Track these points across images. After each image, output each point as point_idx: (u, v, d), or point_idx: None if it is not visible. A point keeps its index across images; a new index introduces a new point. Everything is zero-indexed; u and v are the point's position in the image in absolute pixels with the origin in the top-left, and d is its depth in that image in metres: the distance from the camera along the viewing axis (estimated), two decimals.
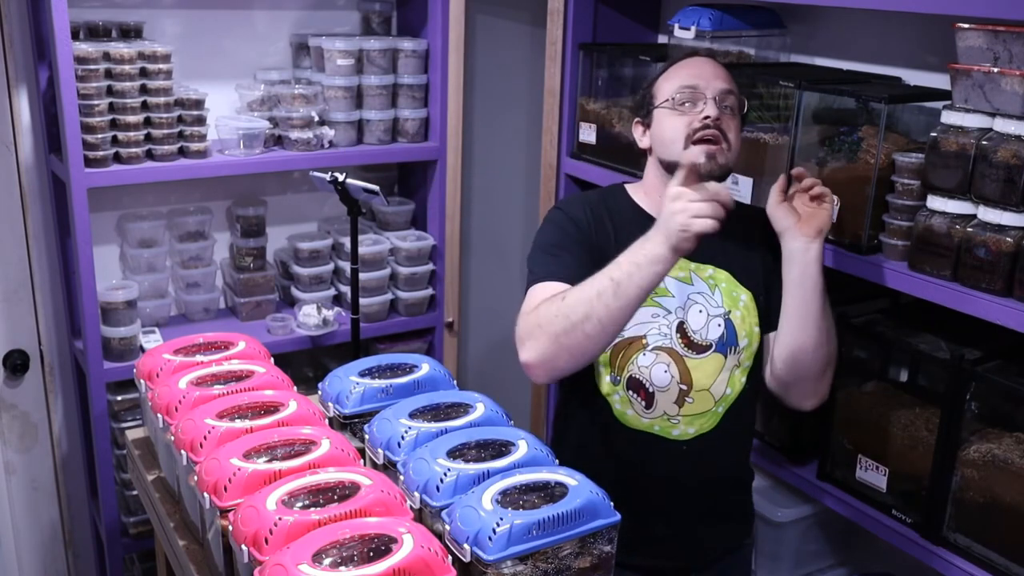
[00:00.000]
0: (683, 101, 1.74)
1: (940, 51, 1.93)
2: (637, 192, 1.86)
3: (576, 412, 1.87)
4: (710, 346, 1.77)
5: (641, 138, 1.83)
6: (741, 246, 1.83)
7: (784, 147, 1.97)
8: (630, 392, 1.79)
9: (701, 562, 1.88)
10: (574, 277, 1.65)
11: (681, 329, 1.77)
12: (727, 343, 1.78)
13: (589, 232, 1.78)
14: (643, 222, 1.69)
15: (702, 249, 1.67)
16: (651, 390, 1.78)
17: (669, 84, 1.77)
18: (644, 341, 1.77)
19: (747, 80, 2.07)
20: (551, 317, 1.61)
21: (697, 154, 1.69)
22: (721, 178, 1.72)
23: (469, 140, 3.12)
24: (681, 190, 1.53)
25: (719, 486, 1.86)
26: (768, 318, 1.83)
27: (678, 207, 1.51)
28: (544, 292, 1.70)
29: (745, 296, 1.81)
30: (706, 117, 1.70)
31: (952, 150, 1.66)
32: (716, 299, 1.79)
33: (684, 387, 1.77)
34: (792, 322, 1.76)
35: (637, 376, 1.78)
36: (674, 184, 1.55)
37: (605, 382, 1.79)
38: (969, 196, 1.65)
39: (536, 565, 1.38)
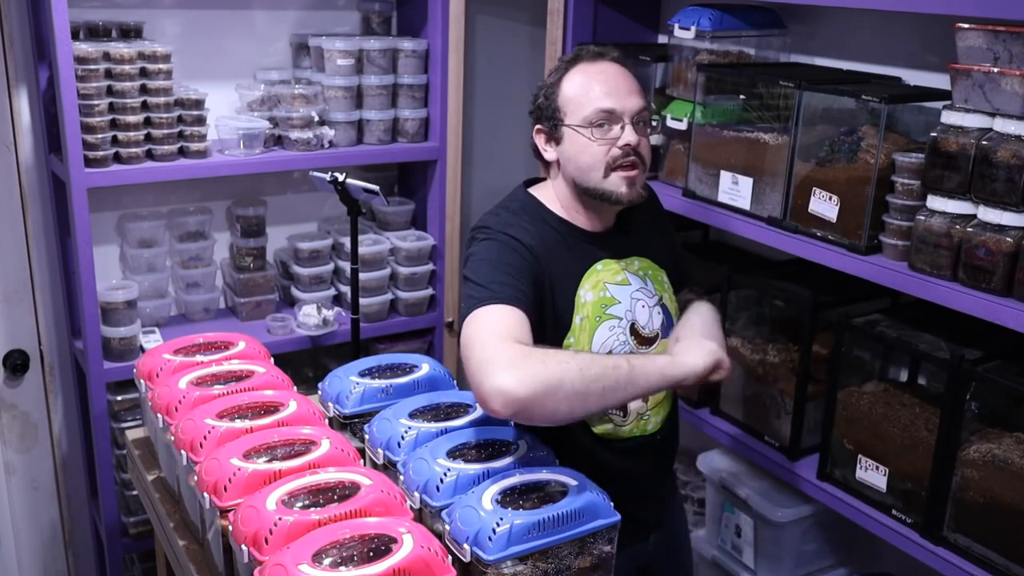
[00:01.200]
0: (599, 124, 1.65)
1: (940, 51, 1.93)
2: (553, 204, 1.76)
3: (550, 440, 1.74)
4: (656, 335, 1.78)
5: (546, 148, 1.73)
6: (650, 231, 1.86)
7: (784, 147, 1.97)
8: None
9: (662, 519, 1.92)
10: (529, 309, 1.58)
11: (633, 330, 1.76)
12: (667, 327, 1.79)
13: (536, 264, 1.67)
14: (575, 237, 1.72)
15: (624, 245, 1.80)
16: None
17: (580, 102, 1.67)
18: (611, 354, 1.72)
19: (747, 80, 2.08)
20: (567, 371, 1.47)
21: (618, 184, 1.67)
22: (642, 197, 1.73)
23: (469, 140, 3.12)
24: (726, 364, 1.63)
25: (676, 454, 1.96)
26: (673, 284, 1.90)
27: (721, 373, 1.62)
28: (507, 318, 1.55)
29: (664, 276, 1.84)
30: (626, 145, 1.65)
31: (952, 150, 1.66)
32: (650, 288, 1.80)
33: None
34: None
35: None
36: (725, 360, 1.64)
37: None
38: (969, 196, 1.65)
39: (536, 565, 1.38)
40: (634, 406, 1.78)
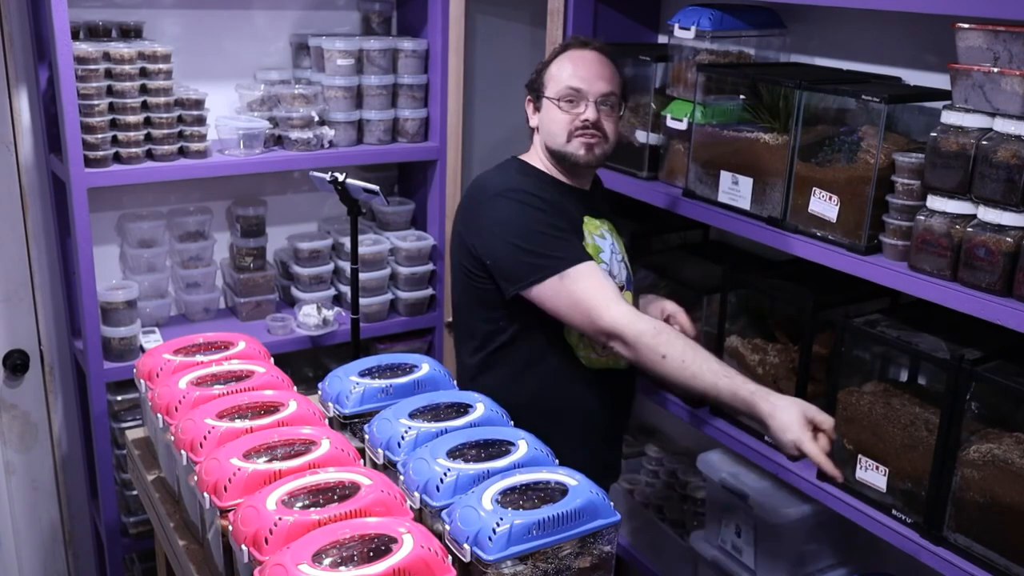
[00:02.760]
0: (568, 99, 1.95)
1: (940, 51, 1.93)
2: (540, 165, 2.03)
3: (539, 360, 2.02)
4: (623, 286, 2.04)
5: (532, 116, 2.05)
6: (602, 200, 2.16)
7: (784, 147, 1.97)
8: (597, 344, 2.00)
9: (619, 466, 2.28)
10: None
11: (609, 276, 1.98)
12: (629, 279, 2.10)
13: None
14: (566, 192, 2.01)
15: (598, 204, 2.10)
16: None
17: (557, 79, 1.97)
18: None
19: (747, 80, 2.08)
20: (678, 360, 1.81)
21: (577, 147, 1.95)
22: (600, 164, 2.02)
23: (469, 140, 3.12)
24: (809, 445, 1.71)
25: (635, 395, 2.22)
26: None
27: (804, 448, 1.70)
28: (596, 275, 1.89)
29: (623, 243, 2.12)
30: (585, 120, 1.94)
31: (952, 150, 1.66)
32: (617, 246, 2.07)
33: None
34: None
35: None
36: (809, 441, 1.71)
37: (574, 334, 1.99)
38: (969, 196, 1.65)
39: (536, 565, 1.38)
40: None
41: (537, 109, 2.03)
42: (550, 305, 1.89)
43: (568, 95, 1.96)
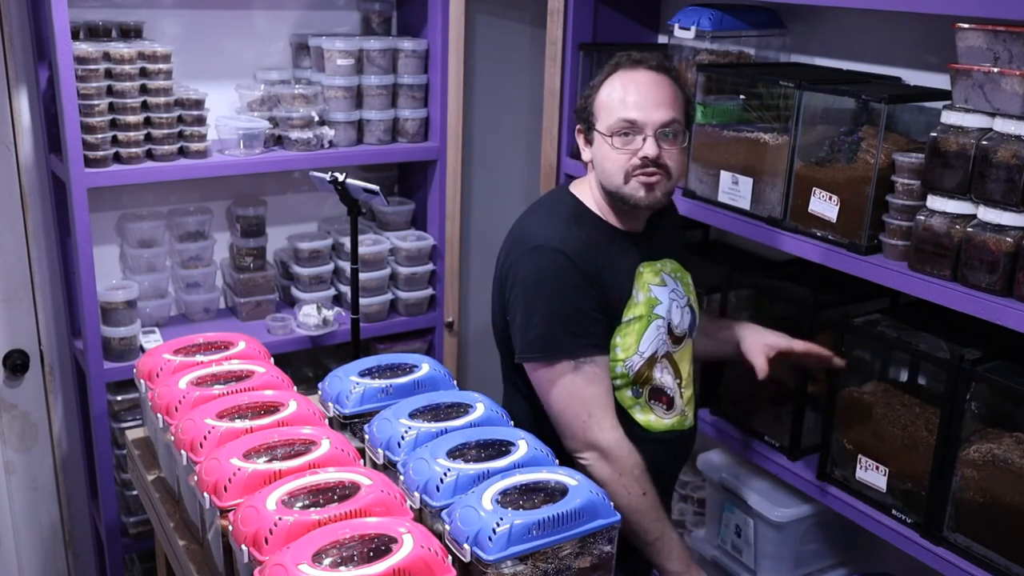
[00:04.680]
0: (622, 134, 1.72)
1: (940, 51, 1.93)
2: (592, 204, 1.83)
3: None
4: (685, 335, 1.89)
5: (584, 149, 1.83)
6: (673, 234, 1.96)
7: (784, 147, 1.97)
8: (651, 401, 1.85)
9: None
10: (598, 340, 1.77)
11: (669, 329, 1.85)
12: (692, 326, 1.92)
13: (587, 277, 1.76)
14: (620, 240, 1.81)
15: (655, 247, 1.88)
16: (671, 394, 1.86)
17: (608, 110, 1.73)
18: (656, 356, 1.83)
19: (747, 80, 2.08)
20: (633, 499, 1.73)
21: (636, 188, 1.74)
22: (663, 204, 1.80)
23: (469, 140, 3.11)
24: None
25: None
26: None
27: None
28: (605, 380, 1.77)
29: (690, 278, 1.95)
30: (644, 157, 1.71)
31: (952, 150, 1.66)
32: (680, 289, 1.89)
33: (679, 380, 1.88)
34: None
35: (659, 385, 1.85)
36: None
37: (626, 396, 1.82)
38: (969, 196, 1.65)
39: (536, 565, 1.38)
40: (677, 402, 1.88)
41: (589, 142, 1.80)
42: (544, 388, 1.76)
43: (622, 129, 1.72)
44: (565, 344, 1.73)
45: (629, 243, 1.82)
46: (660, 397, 1.85)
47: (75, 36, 2.40)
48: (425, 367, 1.86)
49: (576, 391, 1.73)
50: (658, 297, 1.82)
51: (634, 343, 1.79)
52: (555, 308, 1.73)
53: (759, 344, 1.94)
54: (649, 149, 1.71)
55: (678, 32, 2.21)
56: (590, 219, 1.81)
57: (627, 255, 1.81)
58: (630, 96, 1.73)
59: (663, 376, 1.84)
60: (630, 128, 1.72)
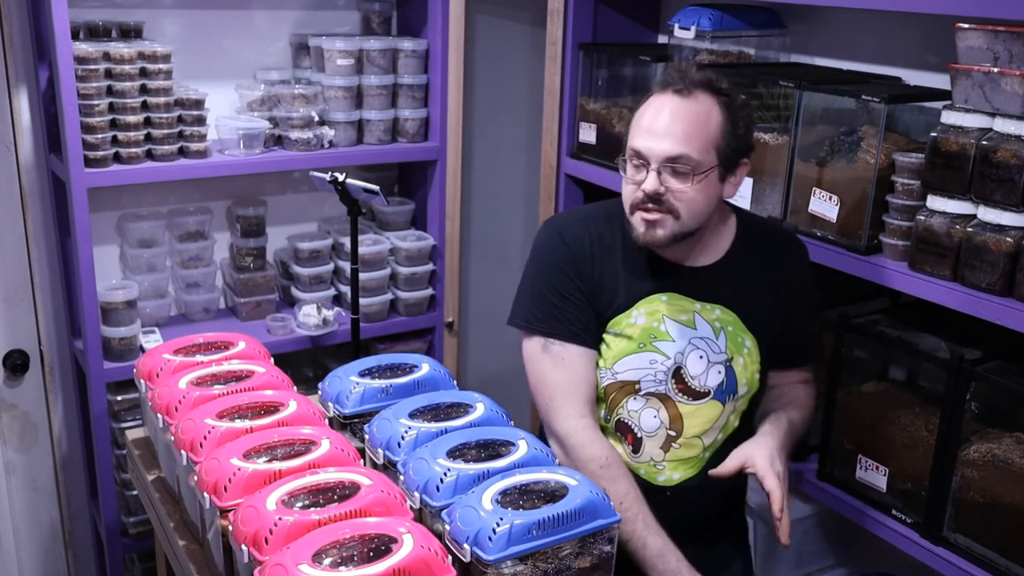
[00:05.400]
0: (633, 163, 1.63)
1: (940, 51, 1.93)
2: None
3: None
4: (708, 393, 1.72)
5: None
6: (755, 284, 1.74)
7: (784, 147, 1.97)
8: (618, 434, 1.77)
9: None
10: (575, 328, 1.74)
11: (678, 374, 1.72)
12: (727, 390, 1.73)
13: (578, 272, 1.75)
14: (645, 258, 1.72)
15: (711, 287, 1.72)
16: (639, 435, 1.75)
17: (630, 133, 1.65)
18: (636, 386, 1.74)
19: (747, 80, 2.07)
20: (615, 501, 1.60)
21: (637, 223, 1.65)
22: (673, 243, 1.65)
23: (469, 140, 3.11)
24: None
25: (705, 523, 1.81)
26: (777, 356, 1.81)
27: None
28: (581, 368, 1.75)
29: (750, 342, 1.74)
30: (643, 191, 1.61)
31: (952, 150, 1.66)
32: (719, 344, 1.71)
33: (673, 433, 1.74)
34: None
35: (626, 420, 1.76)
36: None
37: (600, 416, 1.77)
38: (969, 196, 1.65)
39: (536, 565, 1.38)
40: (648, 448, 1.75)
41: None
42: (525, 361, 1.75)
43: (631, 157, 1.63)
44: (538, 319, 1.73)
45: (654, 266, 1.71)
46: (626, 434, 1.75)
47: (75, 36, 2.40)
48: (425, 367, 1.86)
49: (544, 372, 1.73)
50: (670, 333, 1.70)
51: (612, 359, 1.73)
52: (536, 282, 1.73)
53: (745, 451, 1.67)
54: (648, 184, 1.60)
55: (678, 32, 2.21)
56: (621, 225, 1.73)
57: (641, 276, 1.71)
58: (644, 121, 1.62)
59: (643, 416, 1.73)
60: (637, 157, 1.62)
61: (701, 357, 1.71)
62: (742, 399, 1.77)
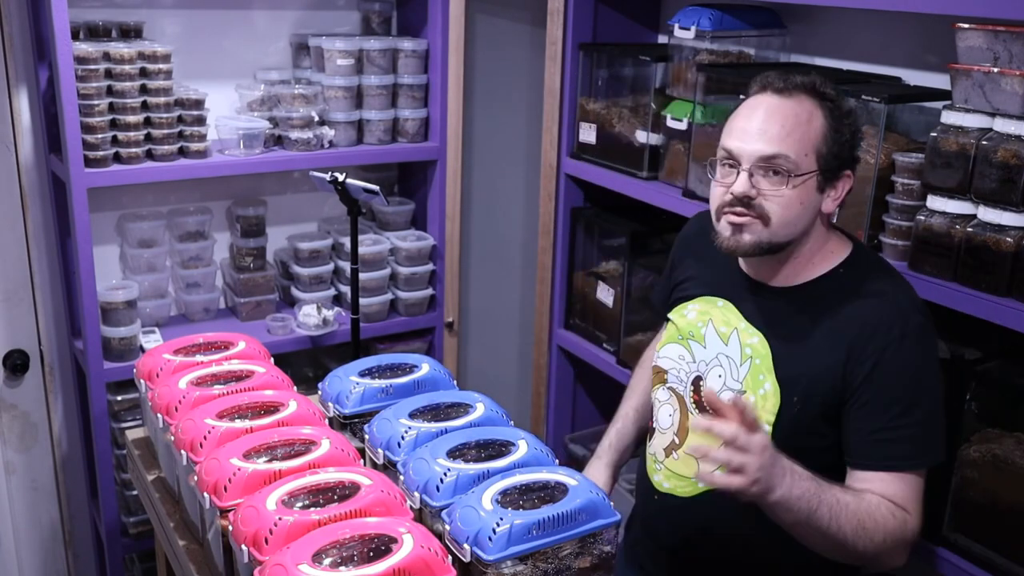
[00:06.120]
0: (723, 164, 1.54)
1: (940, 51, 1.93)
2: None
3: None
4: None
5: None
6: (818, 331, 1.54)
7: None
8: (651, 416, 1.77)
9: None
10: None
11: (696, 384, 1.65)
12: None
13: (675, 253, 1.88)
14: (727, 265, 1.66)
15: (764, 311, 1.59)
16: (655, 425, 1.75)
17: (724, 135, 1.55)
18: (665, 376, 1.72)
19: (747, 80, 2.07)
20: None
21: (723, 228, 1.54)
22: (756, 254, 1.54)
23: (469, 140, 3.11)
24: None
25: (694, 561, 1.67)
26: (846, 448, 1.53)
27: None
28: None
29: (771, 386, 1.56)
30: (732, 194, 1.50)
31: (952, 150, 1.66)
32: (740, 372, 1.59)
33: (676, 440, 1.68)
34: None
35: (655, 404, 1.76)
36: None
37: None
38: (969, 196, 1.65)
39: (536, 565, 1.38)
40: (656, 443, 1.72)
41: None
42: None
43: (721, 158, 1.53)
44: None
45: (729, 271, 1.65)
46: (651, 419, 1.76)
47: (75, 36, 2.39)
48: (425, 367, 1.86)
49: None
50: (705, 338, 1.63)
51: (662, 342, 1.75)
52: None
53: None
54: (738, 185, 1.48)
55: (678, 32, 2.21)
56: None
57: (717, 274, 1.66)
58: (738, 122, 1.52)
59: (662, 409, 1.71)
60: (728, 158, 1.52)
61: (720, 376, 1.61)
62: None
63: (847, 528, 1.42)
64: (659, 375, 1.74)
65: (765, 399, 1.55)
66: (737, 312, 1.62)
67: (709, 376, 1.63)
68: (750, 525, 1.52)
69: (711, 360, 1.63)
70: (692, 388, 1.66)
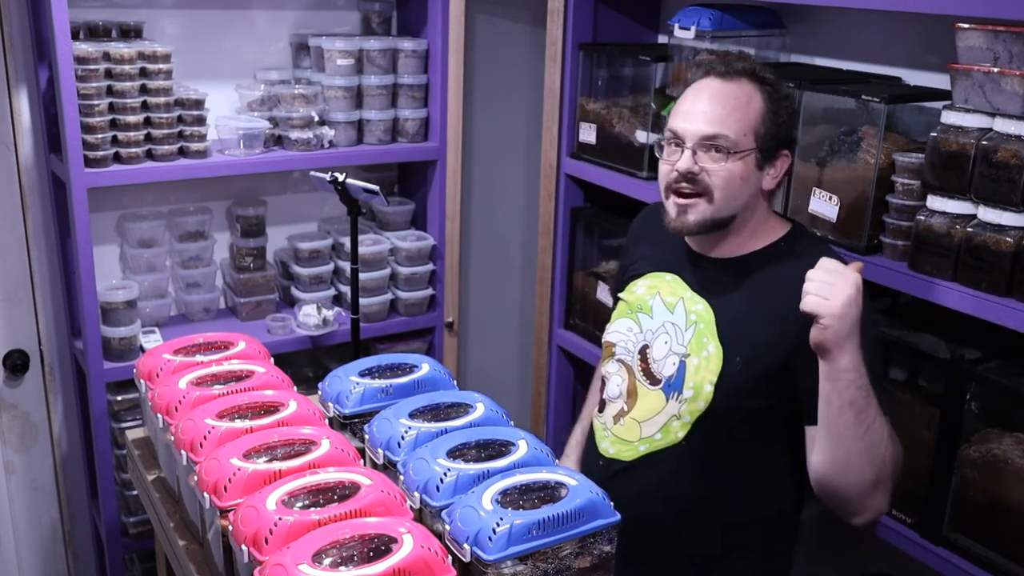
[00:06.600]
0: (669, 143, 1.64)
1: (940, 51, 1.93)
2: None
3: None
4: (660, 381, 1.70)
5: None
6: (758, 298, 1.63)
7: None
8: (601, 389, 1.85)
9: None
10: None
11: (643, 353, 1.73)
12: (672, 386, 1.67)
13: (628, 242, 1.98)
14: (675, 242, 1.76)
15: (708, 281, 1.69)
16: (605, 396, 1.82)
17: (670, 117, 1.65)
18: (614, 349, 1.81)
19: None
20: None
21: (670, 207, 1.65)
22: (702, 231, 1.64)
23: (469, 140, 3.12)
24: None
25: (635, 524, 1.57)
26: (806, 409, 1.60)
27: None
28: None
29: (713, 348, 1.64)
30: (676, 171, 1.61)
31: (952, 150, 1.66)
32: (684, 337, 1.67)
33: (625, 407, 1.76)
34: (820, 439, 1.55)
35: (605, 377, 1.83)
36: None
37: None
38: (969, 196, 1.65)
39: (536, 565, 1.38)
40: (607, 412, 1.79)
41: None
42: None
43: (668, 138, 1.64)
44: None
45: (678, 250, 1.74)
46: (601, 390, 1.83)
47: (75, 36, 2.39)
48: (425, 367, 1.86)
49: None
50: (653, 310, 1.73)
51: (612, 318, 1.84)
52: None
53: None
54: (682, 162, 1.59)
55: (678, 32, 2.21)
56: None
57: (666, 252, 1.76)
58: (684, 105, 1.63)
59: (612, 380, 1.78)
60: (674, 138, 1.62)
61: (666, 343, 1.70)
62: (687, 404, 1.65)
63: (883, 431, 1.50)
64: (608, 349, 1.82)
65: (708, 360, 1.64)
66: (683, 283, 1.72)
67: (655, 343, 1.71)
68: (689, 483, 1.67)
69: (657, 328, 1.72)
70: (640, 357, 1.74)
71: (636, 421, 1.73)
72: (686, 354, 1.66)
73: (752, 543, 1.72)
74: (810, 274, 1.46)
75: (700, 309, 1.68)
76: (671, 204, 1.64)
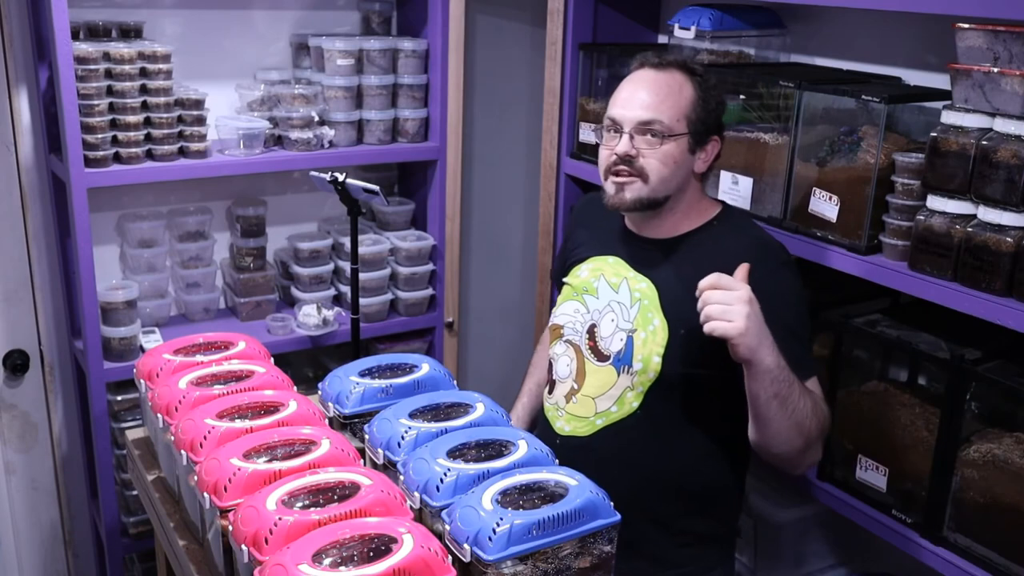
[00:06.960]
0: (608, 129, 1.75)
1: (940, 51, 1.93)
2: None
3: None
4: (609, 358, 1.79)
5: None
6: (696, 273, 1.62)
7: (784, 147, 1.97)
8: (549, 371, 1.92)
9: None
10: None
11: (591, 332, 1.82)
12: (623, 360, 1.77)
13: (571, 227, 2.09)
14: (615, 224, 1.87)
15: (650, 260, 1.80)
16: (554, 377, 1.89)
17: (609, 107, 1.76)
18: (561, 331, 1.89)
19: (747, 80, 2.08)
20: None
21: (609, 187, 1.75)
22: (638, 209, 1.75)
23: (469, 140, 3.12)
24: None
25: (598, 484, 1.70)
26: (706, 358, 1.69)
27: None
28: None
29: (659, 322, 1.75)
30: (615, 154, 1.72)
31: (952, 150, 1.66)
32: (630, 314, 1.77)
33: (576, 386, 1.84)
34: (752, 420, 1.66)
35: (552, 360, 1.90)
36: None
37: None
38: (969, 196, 1.65)
39: (536, 565, 1.38)
40: (557, 393, 1.87)
41: None
42: None
43: (607, 125, 1.76)
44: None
45: (618, 232, 1.86)
46: (549, 373, 1.91)
47: (75, 36, 2.39)
48: (425, 367, 1.86)
49: None
50: (598, 291, 1.83)
51: (558, 303, 1.92)
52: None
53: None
54: (620, 146, 1.71)
55: (678, 32, 2.21)
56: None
57: (607, 237, 1.87)
58: (622, 94, 1.75)
59: (560, 361, 1.87)
60: (612, 125, 1.74)
61: (612, 320, 1.79)
62: (638, 376, 1.75)
63: (807, 408, 1.63)
64: (555, 331, 1.90)
65: (655, 334, 1.75)
66: (626, 264, 1.82)
67: (602, 322, 1.81)
68: (646, 449, 1.77)
69: (604, 308, 1.81)
70: (588, 336, 1.83)
71: (590, 397, 1.81)
72: (633, 329, 1.77)
73: (703, 507, 1.83)
74: (706, 294, 1.55)
75: (644, 287, 1.78)
76: (609, 184, 1.75)
